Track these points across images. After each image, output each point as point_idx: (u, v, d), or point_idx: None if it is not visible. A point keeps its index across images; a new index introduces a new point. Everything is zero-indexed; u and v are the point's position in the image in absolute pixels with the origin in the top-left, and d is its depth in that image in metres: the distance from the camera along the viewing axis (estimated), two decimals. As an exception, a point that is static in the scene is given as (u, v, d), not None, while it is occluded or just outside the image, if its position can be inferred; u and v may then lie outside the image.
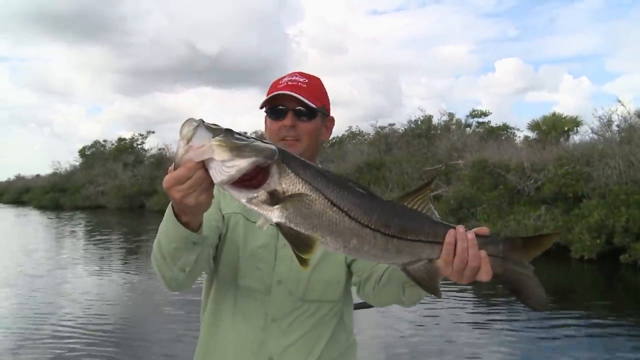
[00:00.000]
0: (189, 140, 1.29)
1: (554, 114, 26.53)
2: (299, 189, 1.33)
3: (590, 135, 22.68)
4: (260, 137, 1.47)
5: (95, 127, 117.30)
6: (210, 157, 1.29)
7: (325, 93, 2.06)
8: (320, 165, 1.57)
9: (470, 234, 1.42)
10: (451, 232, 1.43)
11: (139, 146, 48.72)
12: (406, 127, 33.52)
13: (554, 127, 24.77)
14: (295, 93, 1.91)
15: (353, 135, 44.42)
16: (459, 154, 23.85)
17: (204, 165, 1.31)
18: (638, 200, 13.24)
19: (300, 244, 1.34)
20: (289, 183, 1.33)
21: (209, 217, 1.78)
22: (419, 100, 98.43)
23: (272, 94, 1.94)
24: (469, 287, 10.88)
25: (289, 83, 1.96)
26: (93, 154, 51.77)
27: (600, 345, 7.79)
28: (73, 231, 26.50)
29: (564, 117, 26.15)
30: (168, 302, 10.07)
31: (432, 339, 8.06)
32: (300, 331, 1.92)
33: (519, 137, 32.97)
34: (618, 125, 21.75)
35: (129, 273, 14.24)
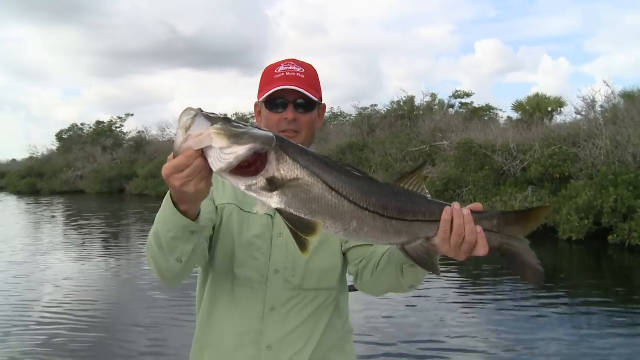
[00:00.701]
0: (187, 129, 1.31)
1: (537, 95, 26.52)
2: (297, 175, 1.35)
3: (574, 116, 22.74)
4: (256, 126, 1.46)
5: (73, 110, 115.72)
6: (209, 145, 1.31)
7: (319, 80, 2.06)
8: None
9: (466, 210, 1.46)
10: (447, 209, 1.46)
11: (118, 129, 47.94)
12: (389, 108, 33.32)
13: (538, 108, 24.73)
14: (296, 86, 1.91)
15: (335, 117, 44.23)
16: (443, 134, 23.73)
17: (202, 154, 1.33)
18: (626, 180, 13.15)
19: (304, 228, 1.36)
20: (287, 169, 1.35)
21: (204, 209, 1.74)
22: (399, 81, 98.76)
23: (276, 88, 1.92)
24: (458, 268, 10.87)
25: (287, 74, 1.95)
26: (71, 138, 50.95)
27: (586, 323, 7.82)
28: (53, 216, 26.02)
29: (548, 98, 26.13)
30: (152, 286, 9.92)
31: (422, 319, 8.02)
32: (298, 319, 1.93)
33: (502, 117, 33.06)
34: (602, 106, 21.80)
35: (111, 258, 14.00)
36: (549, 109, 25.25)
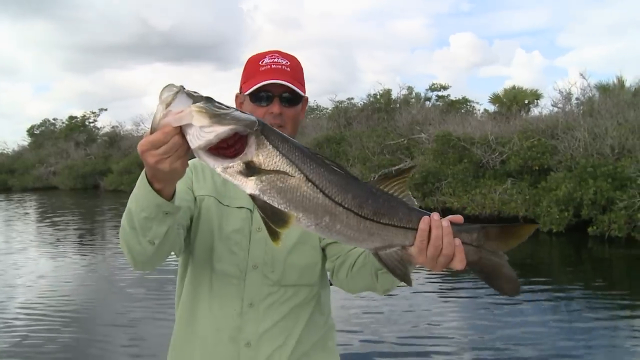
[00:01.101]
0: (168, 105, 1.28)
1: (513, 87, 26.63)
2: (275, 162, 1.32)
3: (550, 108, 22.88)
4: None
5: (44, 105, 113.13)
6: (189, 123, 1.28)
7: (303, 74, 2.03)
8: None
9: (445, 222, 1.41)
10: (425, 218, 1.41)
11: (91, 124, 46.92)
12: (365, 102, 33.21)
13: (515, 100, 24.82)
14: (282, 80, 1.88)
15: (311, 110, 44.02)
16: (421, 127, 23.70)
17: (181, 131, 1.30)
18: (605, 172, 13.20)
19: (276, 218, 1.33)
20: (266, 155, 1.32)
21: (181, 197, 1.76)
22: (374, 74, 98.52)
23: (263, 82, 1.88)
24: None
25: (273, 66, 1.91)
26: (42, 133, 49.87)
27: (566, 313, 7.93)
28: (26, 213, 25.52)
29: (524, 90, 26.24)
30: (129, 283, 9.84)
31: (400, 308, 8.02)
32: (278, 316, 1.90)
33: (479, 110, 33.19)
34: (577, 99, 21.97)
35: (87, 255, 13.78)
36: (526, 101, 25.36)
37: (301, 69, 2.02)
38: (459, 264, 1.41)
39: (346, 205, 1.37)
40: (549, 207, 13.57)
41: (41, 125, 51.26)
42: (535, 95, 25.44)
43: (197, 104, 1.28)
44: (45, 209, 27.25)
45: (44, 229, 19.32)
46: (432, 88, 34.23)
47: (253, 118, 1.32)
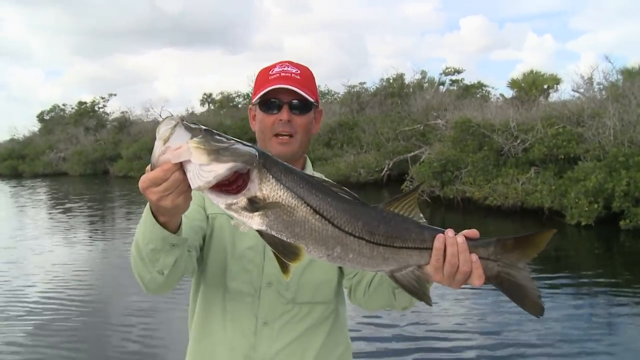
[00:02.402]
0: (166, 141, 1.25)
1: (531, 72, 25.85)
2: (280, 196, 1.30)
3: (571, 94, 22.13)
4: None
5: (56, 90, 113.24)
6: (188, 160, 1.25)
7: (316, 83, 1.98)
8: (309, 159, 1.96)
9: (460, 238, 1.39)
10: (440, 237, 1.39)
11: (101, 110, 46.61)
12: (378, 86, 32.51)
13: (534, 85, 24.04)
14: (291, 85, 1.83)
15: (322, 95, 43.51)
16: (437, 113, 23.02)
17: (181, 167, 1.27)
18: (638, 162, 12.51)
19: (287, 252, 1.31)
20: (269, 189, 1.29)
21: (193, 217, 1.78)
22: (384, 59, 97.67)
23: (270, 87, 1.84)
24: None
25: (282, 74, 1.87)
26: (52, 119, 49.95)
27: (593, 308, 7.65)
28: (38, 200, 25.47)
29: (542, 75, 25.47)
30: None
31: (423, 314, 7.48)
32: (293, 334, 1.85)
33: (494, 95, 32.48)
34: (600, 83, 21.26)
35: (100, 242, 13.86)
36: (545, 86, 24.58)
37: (313, 78, 1.96)
38: (477, 280, 1.38)
39: (357, 234, 1.35)
40: (577, 199, 12.88)
41: (51, 110, 51.57)
42: (555, 80, 24.69)
43: (195, 138, 1.23)
44: (57, 196, 27.17)
45: (56, 216, 19.41)
46: (446, 72, 33.60)
47: (253, 151, 1.28)
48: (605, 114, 14.95)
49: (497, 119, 17.86)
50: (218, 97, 43.94)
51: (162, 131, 1.25)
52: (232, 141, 1.28)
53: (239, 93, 43.56)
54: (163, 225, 1.45)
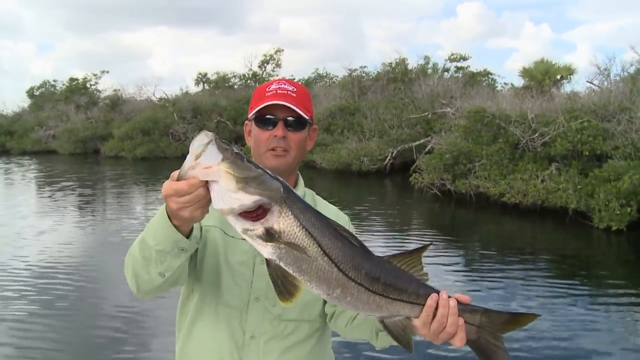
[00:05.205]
0: (197, 157, 1.28)
1: (542, 60, 24.67)
2: (295, 233, 1.34)
3: (587, 85, 21.06)
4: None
5: (48, 65, 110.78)
6: (215, 181, 1.28)
7: (311, 101, 2.00)
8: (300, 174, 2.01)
9: (452, 302, 1.45)
10: (434, 296, 1.45)
11: (93, 87, 44.74)
12: (380, 70, 31.25)
13: (547, 75, 22.89)
14: (287, 102, 1.85)
15: (320, 77, 42.28)
16: (446, 101, 21.89)
17: (206, 184, 1.31)
18: (677, 162, 11.42)
19: (285, 287, 1.36)
20: (286, 225, 1.33)
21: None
22: (380, 42, 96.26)
23: (266, 103, 1.86)
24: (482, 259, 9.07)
25: (279, 92, 1.89)
26: (42, 95, 48.34)
27: (620, 317, 7.13)
28: (26, 178, 24.48)
29: (554, 64, 24.31)
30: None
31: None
32: (279, 350, 1.87)
33: (500, 84, 31.37)
34: (617, 74, 20.23)
35: (92, 223, 13.66)
36: (558, 77, 23.44)
37: (308, 96, 1.98)
38: (459, 341, 1.46)
39: (359, 281, 1.40)
40: (607, 201, 11.78)
41: (41, 86, 50.19)
42: (569, 70, 23.51)
43: (226, 162, 1.27)
44: (46, 174, 26.09)
45: (47, 195, 18.99)
46: (451, 58, 32.42)
47: (279, 186, 1.33)
48: (636, 107, 13.81)
49: (513, 109, 16.71)
50: (213, 77, 42.56)
51: (194, 147, 1.27)
52: (260, 170, 1.31)
53: (235, 73, 42.24)
54: (176, 227, 1.48)
